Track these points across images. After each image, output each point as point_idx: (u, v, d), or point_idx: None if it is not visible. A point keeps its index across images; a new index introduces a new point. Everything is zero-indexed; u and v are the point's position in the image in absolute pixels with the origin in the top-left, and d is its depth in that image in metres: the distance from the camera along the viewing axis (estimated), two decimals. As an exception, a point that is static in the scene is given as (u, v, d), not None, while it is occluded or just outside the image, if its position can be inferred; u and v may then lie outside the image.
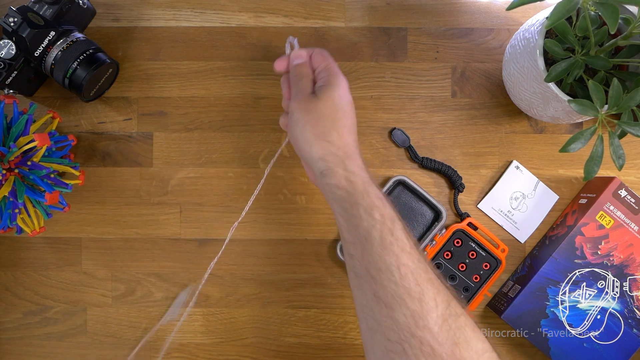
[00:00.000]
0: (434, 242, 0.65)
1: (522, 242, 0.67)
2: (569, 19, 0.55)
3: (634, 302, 0.62)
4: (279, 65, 0.58)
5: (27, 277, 0.68)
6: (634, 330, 0.62)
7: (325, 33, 0.68)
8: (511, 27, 0.68)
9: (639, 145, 0.68)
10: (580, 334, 0.62)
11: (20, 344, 0.67)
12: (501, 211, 0.67)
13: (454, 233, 0.65)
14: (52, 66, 0.61)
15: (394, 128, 0.67)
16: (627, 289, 0.62)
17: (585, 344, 0.62)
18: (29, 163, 0.59)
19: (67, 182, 0.63)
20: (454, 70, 0.68)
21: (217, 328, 0.67)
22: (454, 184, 0.67)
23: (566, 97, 0.54)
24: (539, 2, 0.51)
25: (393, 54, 0.68)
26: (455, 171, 0.66)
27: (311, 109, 0.53)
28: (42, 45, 0.60)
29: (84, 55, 0.61)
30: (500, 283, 0.68)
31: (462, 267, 0.65)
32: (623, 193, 0.62)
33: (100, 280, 0.68)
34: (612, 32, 0.46)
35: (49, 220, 0.67)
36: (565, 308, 0.62)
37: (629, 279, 0.62)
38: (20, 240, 0.68)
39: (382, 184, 0.67)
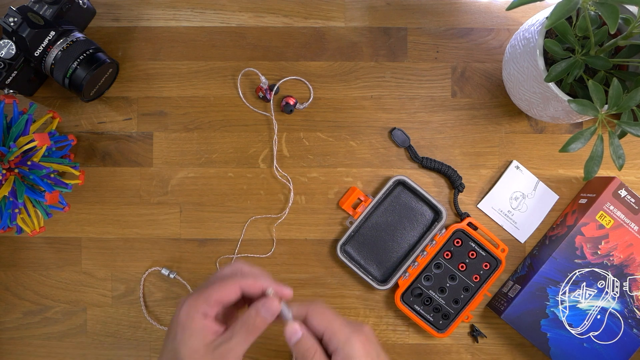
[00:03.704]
0: (434, 242, 0.65)
1: (522, 242, 0.67)
2: (569, 19, 0.55)
3: (634, 302, 0.62)
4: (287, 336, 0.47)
5: (27, 277, 0.68)
6: (634, 330, 0.62)
7: (325, 33, 0.68)
8: (511, 27, 0.68)
9: (639, 145, 0.68)
10: (580, 334, 0.62)
11: (20, 344, 0.67)
12: (501, 211, 0.67)
13: (454, 233, 0.65)
14: (52, 66, 0.61)
15: (394, 128, 0.67)
16: (627, 289, 0.62)
17: (585, 344, 0.62)
18: (29, 163, 0.59)
19: (67, 182, 0.63)
20: (454, 70, 0.68)
21: (217, 328, 0.67)
22: (454, 183, 0.67)
23: (566, 97, 0.54)
24: (539, 2, 0.51)
25: (393, 54, 0.68)
26: (455, 171, 0.66)
27: None
28: (42, 45, 0.60)
29: (84, 55, 0.61)
30: (500, 283, 0.68)
31: (462, 267, 0.65)
32: (623, 193, 0.62)
33: (100, 280, 0.68)
34: (612, 32, 0.46)
35: (49, 220, 0.67)
36: (565, 308, 0.62)
37: (629, 279, 0.62)
38: (20, 240, 0.68)
39: (382, 184, 0.67)
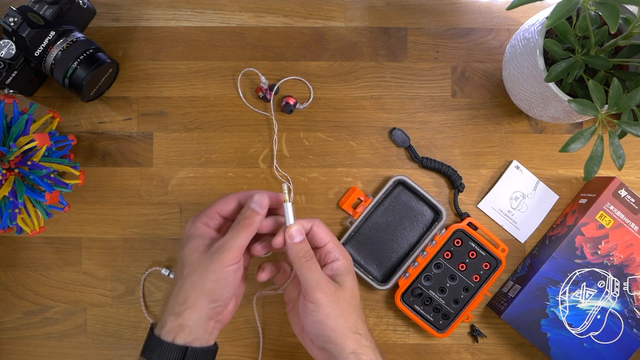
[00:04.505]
0: (434, 242, 0.65)
1: (522, 242, 0.67)
2: (569, 19, 0.55)
3: (634, 302, 0.62)
4: (278, 241, 0.51)
5: (27, 277, 0.68)
6: (634, 330, 0.62)
7: (325, 33, 0.68)
8: (511, 27, 0.68)
9: (639, 145, 0.68)
10: (580, 334, 0.62)
11: (20, 344, 0.67)
12: (501, 211, 0.67)
13: (454, 233, 0.65)
14: (52, 66, 0.61)
15: (394, 128, 0.67)
16: (627, 289, 0.62)
17: (585, 344, 0.62)
18: (29, 163, 0.59)
19: (67, 182, 0.63)
20: (454, 70, 0.68)
21: (217, 328, 0.67)
22: (454, 183, 0.67)
23: (566, 97, 0.54)
24: (539, 2, 0.51)
25: (393, 54, 0.68)
26: (455, 171, 0.66)
27: (340, 300, 0.50)
28: (42, 45, 0.60)
29: (84, 55, 0.61)
30: (500, 283, 0.68)
31: (462, 267, 0.65)
32: (623, 193, 0.62)
33: (100, 280, 0.68)
34: (612, 32, 0.46)
35: (49, 220, 0.67)
36: (565, 308, 0.62)
37: (629, 278, 0.62)
38: (20, 240, 0.68)
39: (382, 184, 0.67)
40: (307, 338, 0.54)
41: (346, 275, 0.52)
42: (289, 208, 0.51)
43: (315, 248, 0.53)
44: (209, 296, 0.49)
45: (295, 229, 0.51)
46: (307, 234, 0.52)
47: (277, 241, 0.51)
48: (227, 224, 0.54)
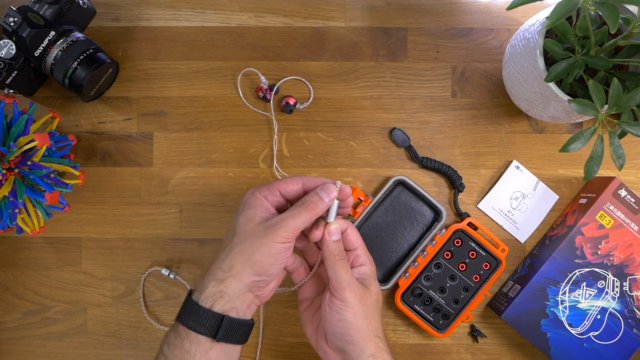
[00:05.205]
0: (434, 242, 0.65)
1: (522, 242, 0.67)
2: (569, 19, 0.55)
3: (634, 302, 0.62)
4: (317, 235, 0.52)
5: (27, 277, 0.68)
6: (634, 330, 0.62)
7: (325, 33, 0.68)
8: (511, 27, 0.68)
9: (639, 145, 0.68)
10: (580, 334, 0.62)
11: (20, 344, 0.67)
12: (501, 211, 0.67)
13: (454, 233, 0.65)
14: (52, 66, 0.61)
15: (394, 128, 0.67)
16: (627, 289, 0.62)
17: (585, 344, 0.62)
18: (29, 163, 0.59)
19: (67, 182, 0.63)
20: (454, 70, 0.68)
21: (217, 328, 0.67)
22: (454, 183, 0.67)
23: (566, 97, 0.54)
24: (539, 2, 0.51)
25: (393, 54, 0.68)
26: (455, 171, 0.66)
27: (367, 302, 0.51)
28: (42, 45, 0.60)
29: (84, 55, 0.61)
30: (500, 283, 0.68)
31: (462, 267, 0.65)
32: (623, 193, 0.62)
33: (100, 280, 0.68)
34: (612, 32, 0.46)
35: (49, 220, 0.67)
36: (565, 308, 0.62)
37: (629, 278, 0.62)
38: (20, 240, 0.68)
39: (382, 184, 0.67)
40: (321, 339, 0.54)
41: (372, 280, 0.53)
42: (335, 205, 0.52)
43: (345, 250, 0.54)
44: (255, 268, 0.49)
45: (335, 227, 0.52)
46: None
47: (316, 235, 0.52)
48: (285, 206, 0.54)
